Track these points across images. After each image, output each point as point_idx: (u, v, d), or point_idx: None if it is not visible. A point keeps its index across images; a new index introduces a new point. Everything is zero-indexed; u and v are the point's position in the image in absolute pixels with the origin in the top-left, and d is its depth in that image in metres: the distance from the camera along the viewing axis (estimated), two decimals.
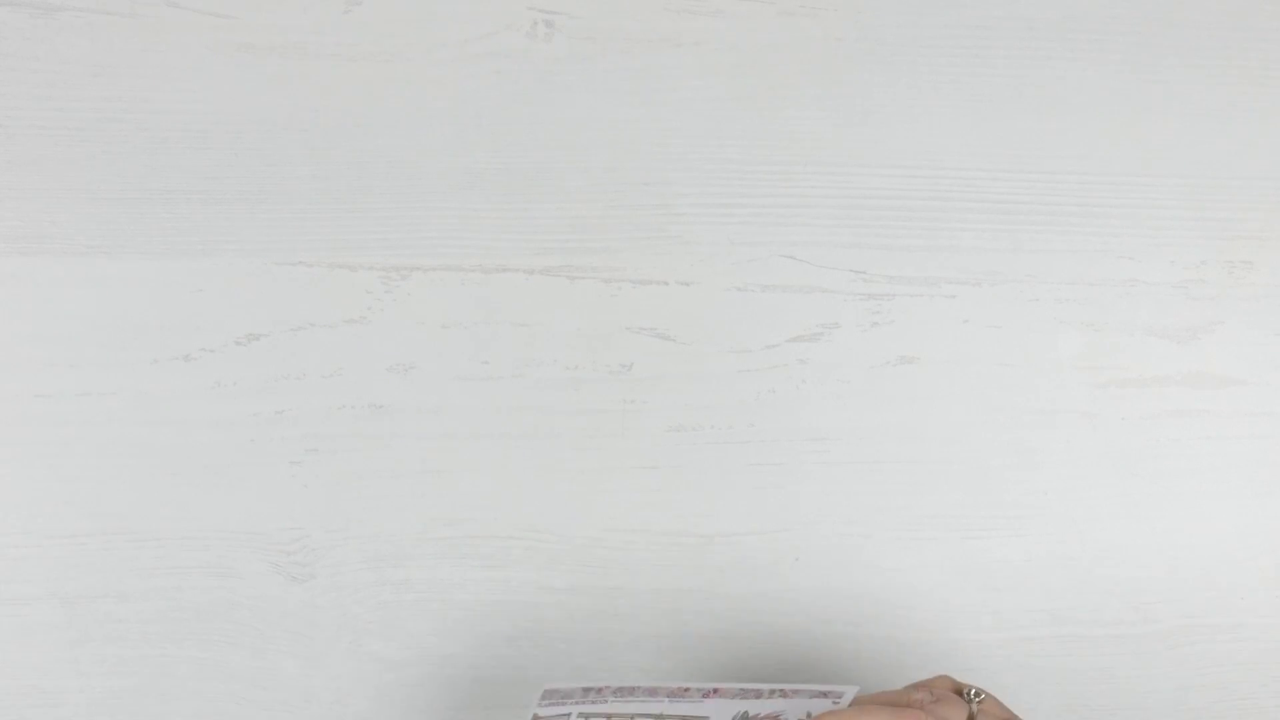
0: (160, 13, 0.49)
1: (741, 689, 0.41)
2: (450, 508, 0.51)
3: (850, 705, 0.41)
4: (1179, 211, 0.52)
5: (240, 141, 0.50)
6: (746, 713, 0.42)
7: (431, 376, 0.51)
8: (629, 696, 0.41)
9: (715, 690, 0.42)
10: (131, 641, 0.51)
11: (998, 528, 0.52)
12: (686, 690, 0.42)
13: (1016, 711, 0.52)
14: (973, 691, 0.43)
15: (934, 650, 0.52)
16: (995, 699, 0.43)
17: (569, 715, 0.41)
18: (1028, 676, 0.52)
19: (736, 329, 0.51)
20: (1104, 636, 0.52)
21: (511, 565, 0.51)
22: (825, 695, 0.41)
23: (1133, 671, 0.52)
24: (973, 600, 0.52)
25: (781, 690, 0.41)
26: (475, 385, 0.51)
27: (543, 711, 0.41)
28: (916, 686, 0.43)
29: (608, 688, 0.41)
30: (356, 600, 0.51)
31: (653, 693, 0.41)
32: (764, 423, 0.51)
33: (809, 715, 0.42)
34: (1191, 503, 0.53)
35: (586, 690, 0.41)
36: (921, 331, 0.52)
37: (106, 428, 0.50)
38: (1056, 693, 0.52)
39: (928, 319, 0.52)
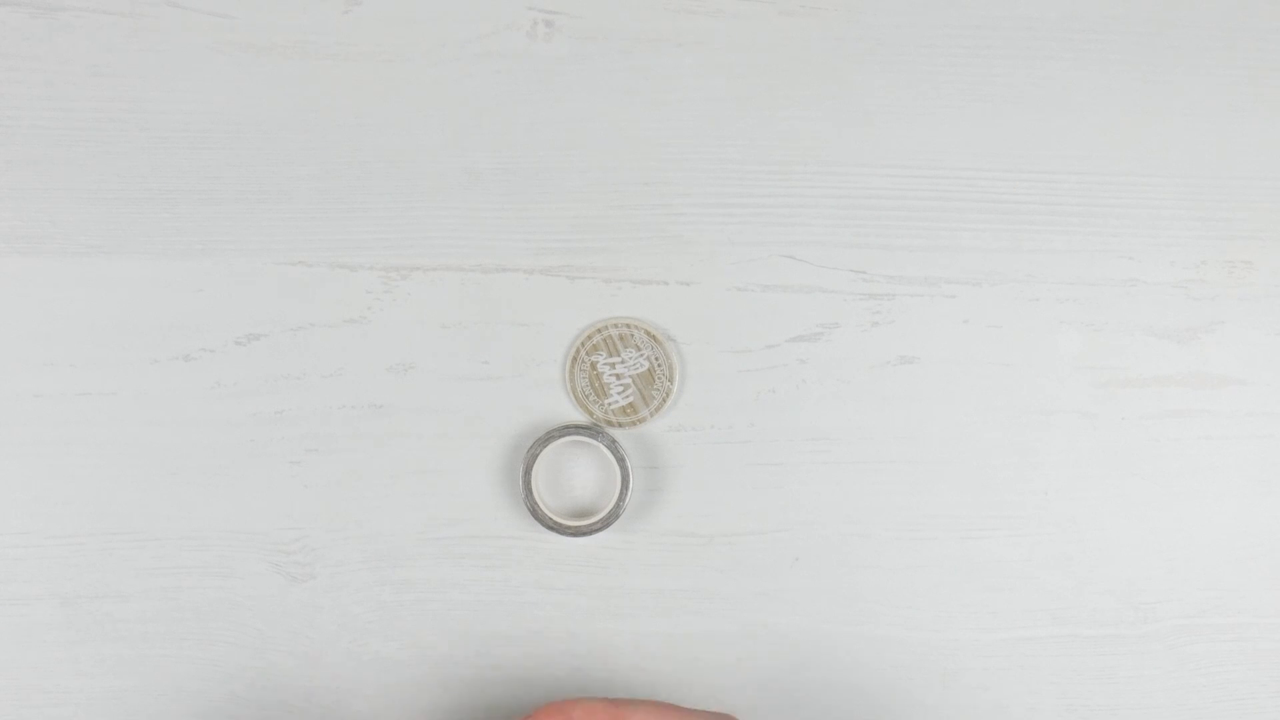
0: (160, 13, 0.49)
1: None
2: (450, 508, 0.51)
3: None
4: (1179, 211, 0.52)
5: (240, 141, 0.50)
6: None
7: (431, 376, 0.51)
8: None
9: None
10: (131, 641, 0.51)
11: (998, 528, 0.52)
12: None
13: (1016, 712, 0.52)
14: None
15: (934, 650, 0.52)
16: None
17: None
18: (1027, 676, 0.52)
19: (736, 329, 0.51)
20: (1104, 636, 0.52)
21: (511, 565, 0.51)
22: None
23: (1133, 671, 0.52)
24: (973, 600, 0.52)
25: None
26: (475, 385, 0.51)
27: None
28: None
29: None
30: (356, 600, 0.51)
31: None
32: (764, 423, 0.51)
33: None
34: (1191, 503, 0.52)
35: None
36: (921, 331, 0.52)
37: (106, 428, 0.50)
38: (1056, 693, 0.52)
39: (928, 319, 0.52)
